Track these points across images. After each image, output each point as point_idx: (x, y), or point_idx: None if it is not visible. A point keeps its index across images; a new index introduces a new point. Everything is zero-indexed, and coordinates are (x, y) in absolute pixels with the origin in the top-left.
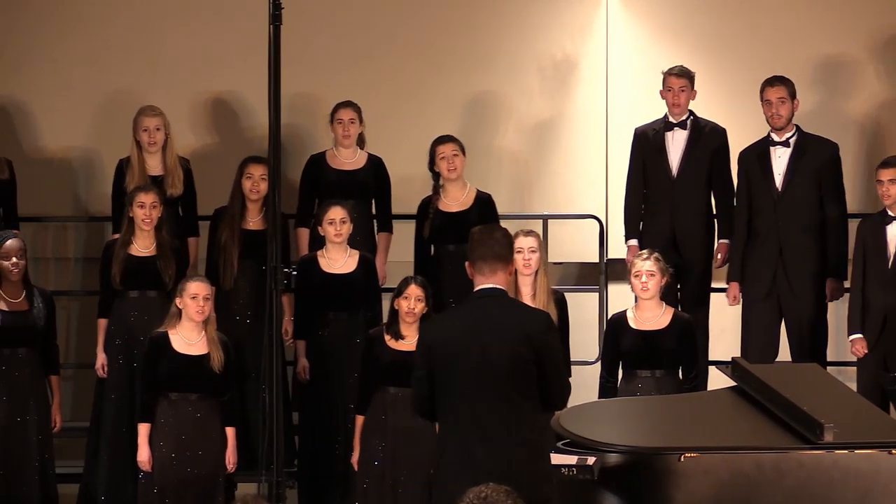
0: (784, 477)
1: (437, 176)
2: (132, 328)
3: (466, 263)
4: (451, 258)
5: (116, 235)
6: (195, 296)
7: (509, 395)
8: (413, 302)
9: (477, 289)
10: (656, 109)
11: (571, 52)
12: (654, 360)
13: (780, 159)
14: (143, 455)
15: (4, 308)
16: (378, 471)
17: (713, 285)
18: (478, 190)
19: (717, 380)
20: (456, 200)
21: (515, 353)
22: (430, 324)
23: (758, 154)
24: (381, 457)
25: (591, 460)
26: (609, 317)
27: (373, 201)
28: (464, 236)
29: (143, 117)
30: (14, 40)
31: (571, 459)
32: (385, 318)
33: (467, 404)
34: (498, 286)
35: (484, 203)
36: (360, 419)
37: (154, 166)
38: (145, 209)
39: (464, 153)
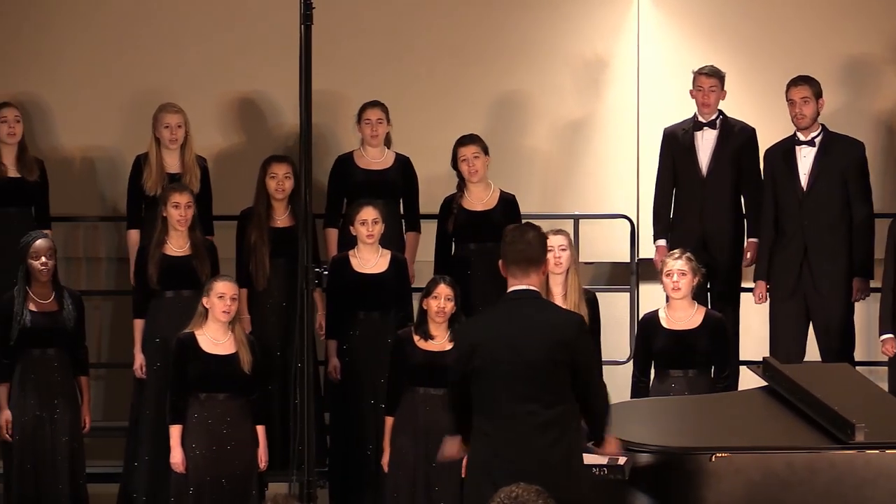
0: (815, 477)
1: (460, 175)
2: (169, 328)
3: (500, 262)
4: (473, 256)
5: (135, 233)
6: (222, 295)
7: (542, 397)
8: (443, 301)
9: (510, 290)
10: (687, 109)
11: (602, 52)
12: (687, 359)
13: (805, 159)
14: (177, 457)
15: (34, 309)
16: (408, 471)
17: (742, 285)
18: (501, 190)
19: (748, 379)
20: (480, 200)
21: (548, 356)
22: (466, 325)
23: (783, 153)
24: (412, 457)
25: (622, 460)
26: (639, 316)
27: (401, 201)
28: (486, 236)
29: (164, 114)
30: (43, 39)
31: (602, 459)
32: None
33: (501, 406)
34: (531, 287)
35: (508, 203)
36: (389, 420)
37: (172, 164)
38: (180, 209)
39: (486, 154)
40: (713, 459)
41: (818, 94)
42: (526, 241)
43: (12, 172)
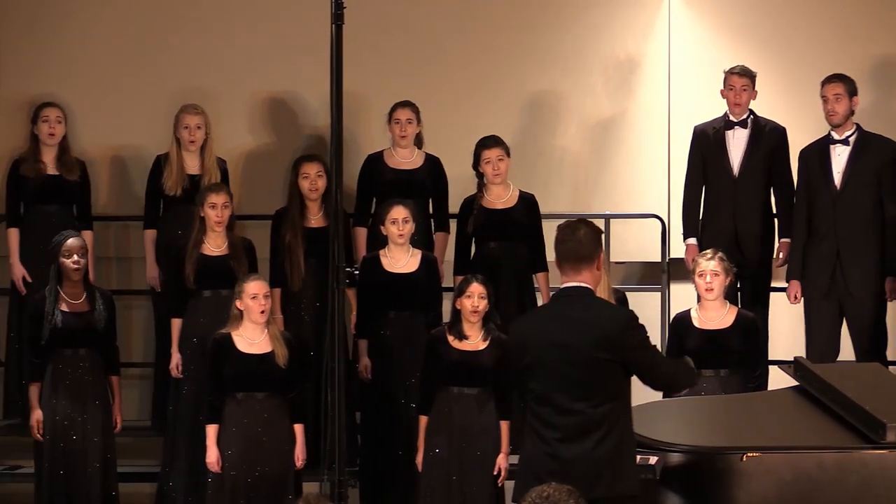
0: (846, 476)
1: (481, 175)
2: (206, 327)
3: (556, 258)
4: (494, 255)
5: (151, 232)
6: (255, 296)
7: (590, 394)
8: (476, 300)
9: (562, 287)
10: (718, 108)
11: (634, 52)
12: (719, 359)
13: (839, 157)
14: (212, 456)
15: (65, 309)
16: (442, 471)
17: (773, 284)
18: (520, 190)
19: (778, 379)
20: (500, 199)
21: (593, 353)
22: (518, 322)
23: (818, 152)
24: (446, 457)
25: (653, 460)
26: (670, 316)
27: (430, 201)
28: (507, 234)
29: (184, 114)
30: (76, 40)
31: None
32: (448, 318)
33: (547, 402)
34: (583, 284)
35: (527, 202)
36: (423, 419)
37: (192, 165)
38: (217, 209)
39: (509, 155)
40: (744, 459)
41: (852, 93)
42: (577, 238)
43: (51, 171)
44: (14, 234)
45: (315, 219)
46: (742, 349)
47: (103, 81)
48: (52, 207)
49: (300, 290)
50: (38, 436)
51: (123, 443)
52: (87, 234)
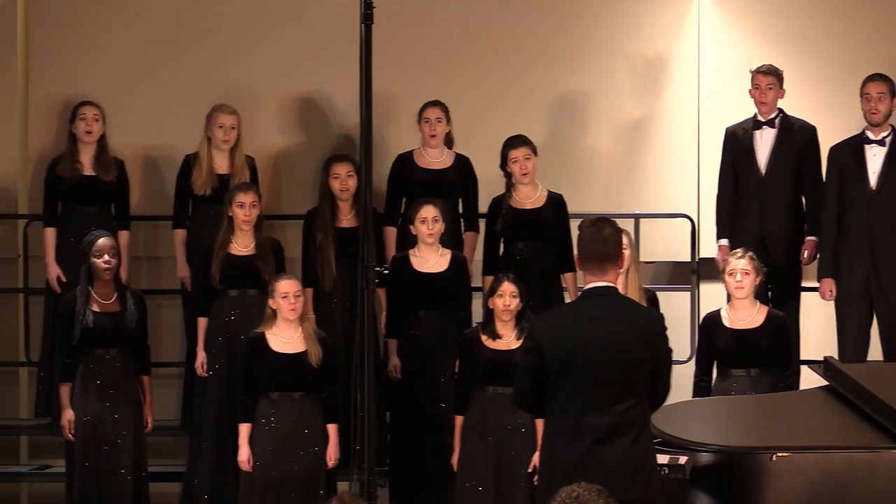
0: (876, 476)
1: (509, 175)
2: (232, 327)
3: (576, 256)
4: (522, 255)
5: (180, 232)
6: (286, 294)
7: (622, 395)
8: (508, 299)
9: (588, 287)
10: (748, 108)
11: (663, 51)
12: (749, 359)
13: (875, 158)
14: (244, 455)
15: (96, 309)
16: (478, 470)
17: (803, 284)
18: (549, 190)
19: (808, 379)
20: (528, 198)
21: (630, 353)
22: (541, 319)
23: (852, 151)
24: (482, 456)
25: (682, 460)
26: (700, 316)
27: (459, 200)
28: (535, 234)
29: (219, 113)
30: (107, 40)
31: (663, 459)
32: (478, 317)
33: (580, 403)
34: (610, 284)
35: (556, 202)
36: (459, 419)
37: (221, 164)
38: (245, 209)
39: (536, 155)
40: (774, 459)
41: (894, 93)
42: (602, 237)
43: (88, 171)
44: (51, 234)
45: (346, 219)
46: (772, 349)
47: (134, 82)
48: (91, 208)
49: (332, 290)
50: (69, 436)
51: (155, 442)
52: (124, 235)
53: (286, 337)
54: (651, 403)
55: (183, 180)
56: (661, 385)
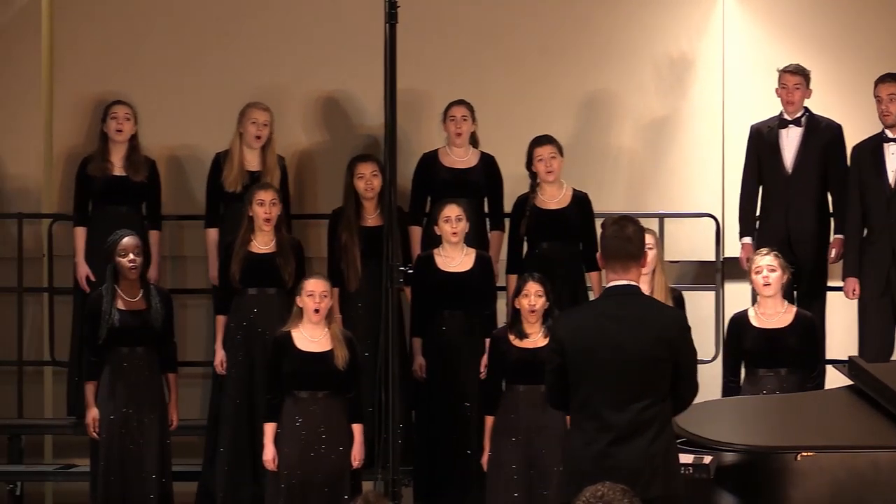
0: None
1: (534, 175)
2: (251, 325)
3: (598, 255)
4: (547, 255)
5: (213, 231)
6: (312, 293)
7: (641, 393)
8: (533, 298)
9: (610, 285)
10: (772, 107)
11: (687, 50)
12: (777, 358)
13: (893, 156)
14: (269, 454)
15: (122, 307)
16: (509, 469)
17: (829, 283)
18: (574, 189)
19: (833, 378)
20: (553, 198)
21: (650, 352)
22: (563, 318)
23: (871, 150)
24: (512, 455)
25: (707, 459)
26: (725, 315)
27: (485, 200)
28: (560, 234)
29: (253, 109)
30: (131, 39)
31: (688, 458)
32: (501, 318)
33: (599, 401)
34: (632, 282)
35: (581, 202)
36: (489, 419)
37: (252, 162)
38: (265, 206)
39: (561, 154)
40: (798, 458)
41: None
42: (626, 235)
43: (118, 171)
44: (81, 233)
45: (371, 218)
46: (800, 348)
47: (158, 80)
48: (122, 208)
49: (358, 290)
50: (94, 434)
51: (181, 441)
52: (154, 234)
53: (312, 336)
54: (676, 405)
55: (214, 179)
56: (686, 386)
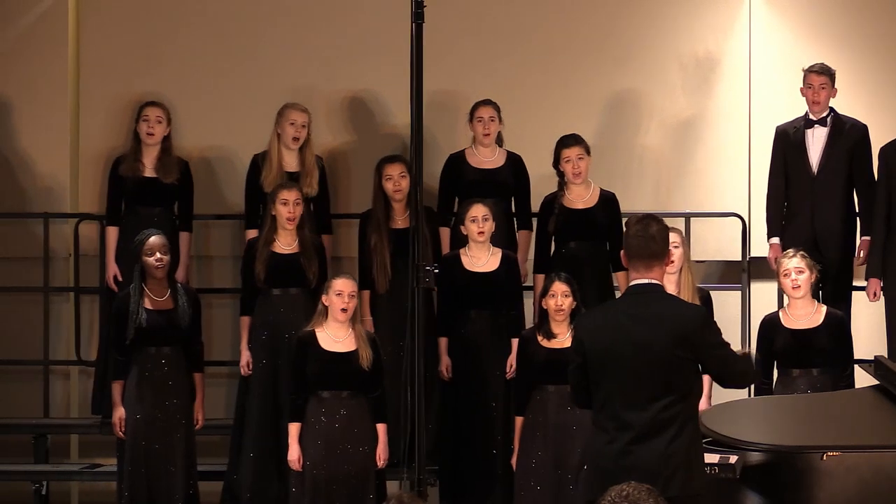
0: None
1: (561, 174)
2: (276, 326)
3: (622, 253)
4: (574, 255)
5: (253, 232)
6: (340, 293)
7: (664, 392)
8: (560, 299)
9: (632, 283)
10: (799, 107)
11: (714, 50)
12: (808, 358)
13: None
14: (294, 454)
15: (150, 307)
16: (539, 469)
17: (855, 283)
18: (601, 188)
19: (859, 378)
20: (581, 198)
21: (670, 351)
22: (585, 316)
23: None
24: (542, 455)
25: (732, 459)
26: (751, 315)
27: (512, 199)
28: (587, 233)
29: (291, 110)
30: (163, 40)
31: (713, 458)
32: (528, 317)
33: (619, 400)
34: (654, 281)
35: (609, 201)
36: (519, 420)
37: (291, 163)
38: (288, 206)
39: (589, 154)
40: (824, 458)
41: None
42: (650, 234)
43: (149, 172)
44: (112, 233)
45: (401, 219)
46: (831, 348)
47: (187, 81)
48: (155, 210)
49: (388, 292)
50: (121, 434)
51: (206, 440)
52: (184, 236)
53: (336, 336)
54: (732, 385)
55: (252, 180)
56: (732, 370)
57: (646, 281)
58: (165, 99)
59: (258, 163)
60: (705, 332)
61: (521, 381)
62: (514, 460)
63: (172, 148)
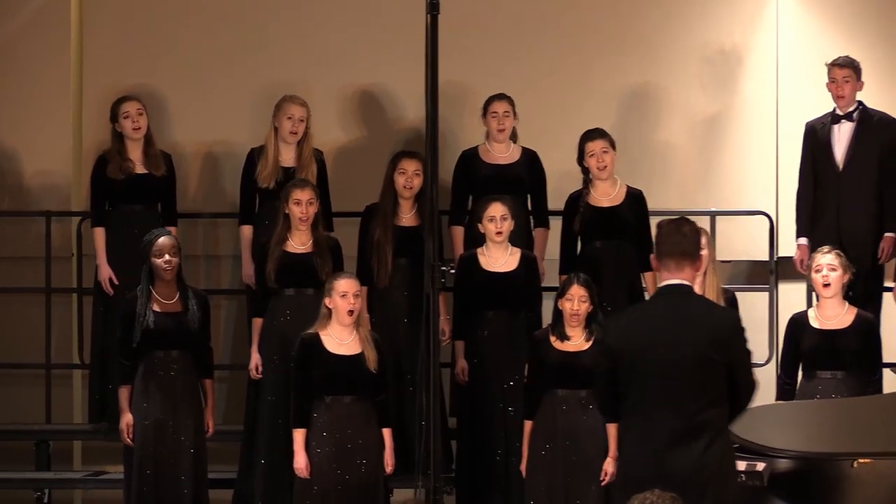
0: None
1: (586, 171)
2: (288, 327)
3: (651, 256)
4: (600, 254)
5: (247, 229)
6: (345, 294)
7: (696, 397)
8: (577, 303)
9: (663, 284)
10: (828, 102)
11: (740, 43)
12: (836, 360)
13: None
14: (301, 462)
15: (158, 309)
16: (547, 475)
17: (886, 284)
18: (628, 186)
19: (889, 382)
20: (606, 196)
21: (702, 354)
22: (614, 318)
23: None
24: (550, 461)
25: (760, 466)
26: (779, 317)
27: (528, 196)
28: (613, 232)
29: (288, 104)
30: (164, 33)
31: (740, 465)
32: (546, 319)
33: (650, 404)
34: (685, 282)
35: (635, 199)
36: (528, 424)
37: (288, 158)
38: (301, 206)
39: (614, 148)
40: (855, 465)
41: None
42: (682, 234)
43: (140, 169)
44: (100, 234)
45: (406, 217)
46: (860, 351)
47: (192, 75)
48: (137, 206)
49: (389, 291)
50: (128, 440)
51: (217, 448)
52: (173, 231)
53: (342, 338)
54: (732, 407)
55: (248, 175)
56: (744, 387)
57: (677, 282)
58: (170, 93)
59: (254, 157)
60: (737, 337)
61: (530, 384)
62: (522, 466)
63: (154, 140)
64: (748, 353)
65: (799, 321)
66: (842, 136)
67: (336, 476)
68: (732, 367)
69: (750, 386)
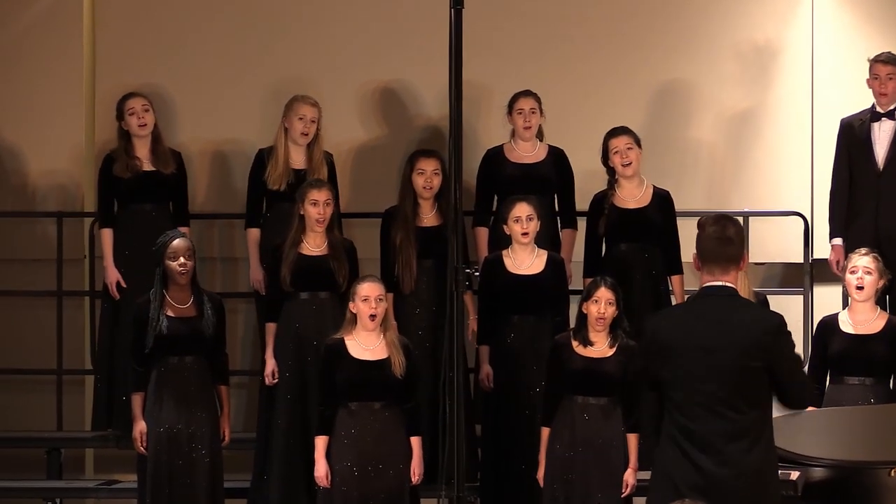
0: None
1: (611, 171)
2: (303, 332)
3: (693, 255)
4: (626, 257)
5: (254, 231)
6: (366, 298)
7: (736, 401)
8: (603, 306)
9: (706, 285)
10: (865, 99)
11: (774, 38)
12: (864, 366)
13: None
14: (321, 470)
15: (171, 314)
16: (565, 485)
17: None
18: (655, 186)
19: None
20: (633, 197)
21: (743, 358)
22: (656, 318)
23: None
24: (569, 470)
25: (794, 475)
26: (814, 321)
27: (555, 196)
28: (640, 235)
29: (299, 104)
30: (179, 30)
31: None
32: (572, 322)
33: (692, 410)
34: (728, 284)
35: (662, 200)
36: (545, 431)
37: (298, 159)
38: (318, 207)
39: (639, 146)
40: (892, 474)
41: None
42: (727, 236)
43: (147, 167)
44: (108, 235)
45: (427, 217)
46: (890, 357)
47: (205, 74)
48: (147, 206)
49: (414, 294)
50: (142, 449)
51: (234, 456)
52: (185, 231)
53: (367, 343)
54: (787, 405)
55: (256, 176)
56: (793, 387)
57: (720, 283)
58: (183, 92)
59: (263, 157)
60: (780, 340)
61: (549, 390)
62: (539, 475)
63: (162, 136)
64: (795, 355)
65: (828, 324)
66: (882, 135)
67: (359, 486)
68: (779, 370)
69: (801, 387)
